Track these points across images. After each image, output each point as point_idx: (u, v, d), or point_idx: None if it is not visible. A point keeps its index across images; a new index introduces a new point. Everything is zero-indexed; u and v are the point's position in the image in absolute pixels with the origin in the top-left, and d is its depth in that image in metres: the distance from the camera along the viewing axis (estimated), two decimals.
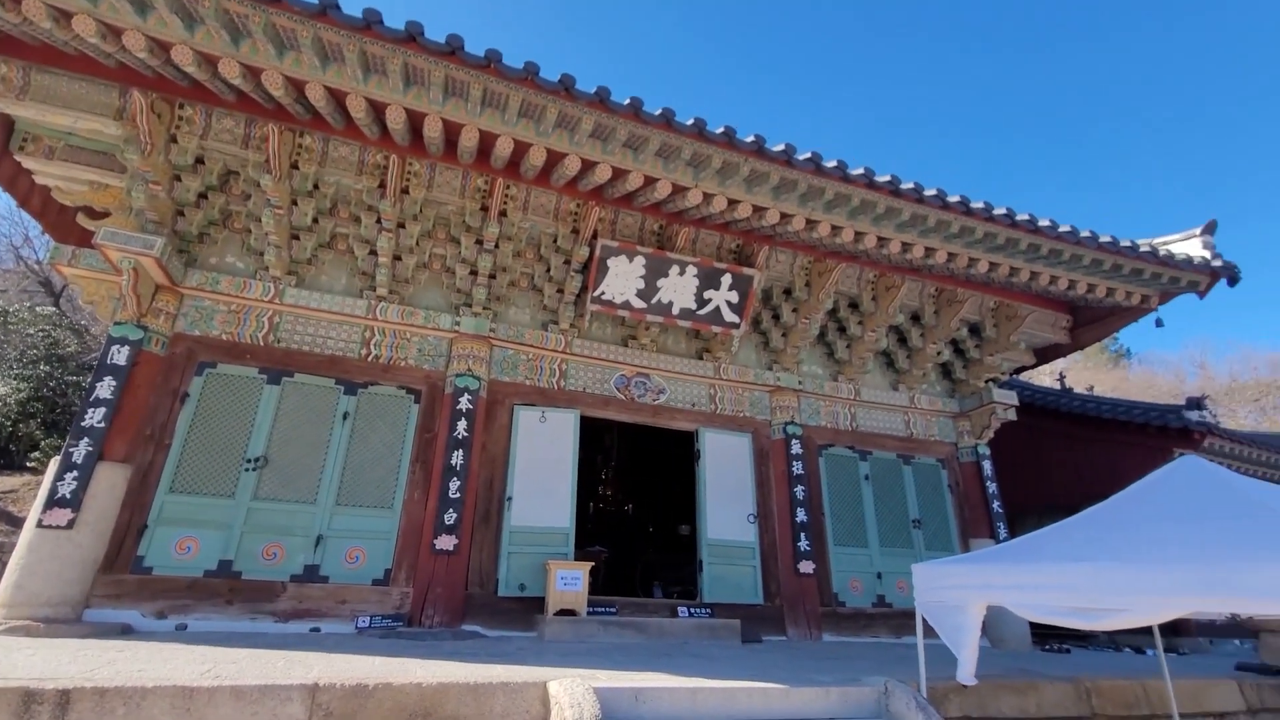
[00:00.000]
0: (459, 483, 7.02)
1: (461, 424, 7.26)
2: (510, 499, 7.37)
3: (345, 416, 7.06)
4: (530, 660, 4.59)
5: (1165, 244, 8.96)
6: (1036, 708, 4.70)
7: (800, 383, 9.40)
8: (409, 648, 5.07)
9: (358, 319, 7.45)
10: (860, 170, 6.97)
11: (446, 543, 6.74)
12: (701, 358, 9.06)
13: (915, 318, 9.82)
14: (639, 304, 8.10)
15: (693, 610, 7.51)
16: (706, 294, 8.26)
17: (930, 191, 7.26)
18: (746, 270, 8.26)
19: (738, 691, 3.95)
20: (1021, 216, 7.66)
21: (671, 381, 8.80)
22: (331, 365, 7.22)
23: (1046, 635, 9.36)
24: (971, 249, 7.94)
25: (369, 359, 7.39)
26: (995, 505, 9.72)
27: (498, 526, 7.25)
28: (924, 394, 10.29)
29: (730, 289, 8.30)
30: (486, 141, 6.30)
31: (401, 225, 7.43)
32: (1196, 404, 11.31)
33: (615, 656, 5.18)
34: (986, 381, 10.20)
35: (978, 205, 7.47)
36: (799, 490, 8.69)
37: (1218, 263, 8.55)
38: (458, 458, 7.11)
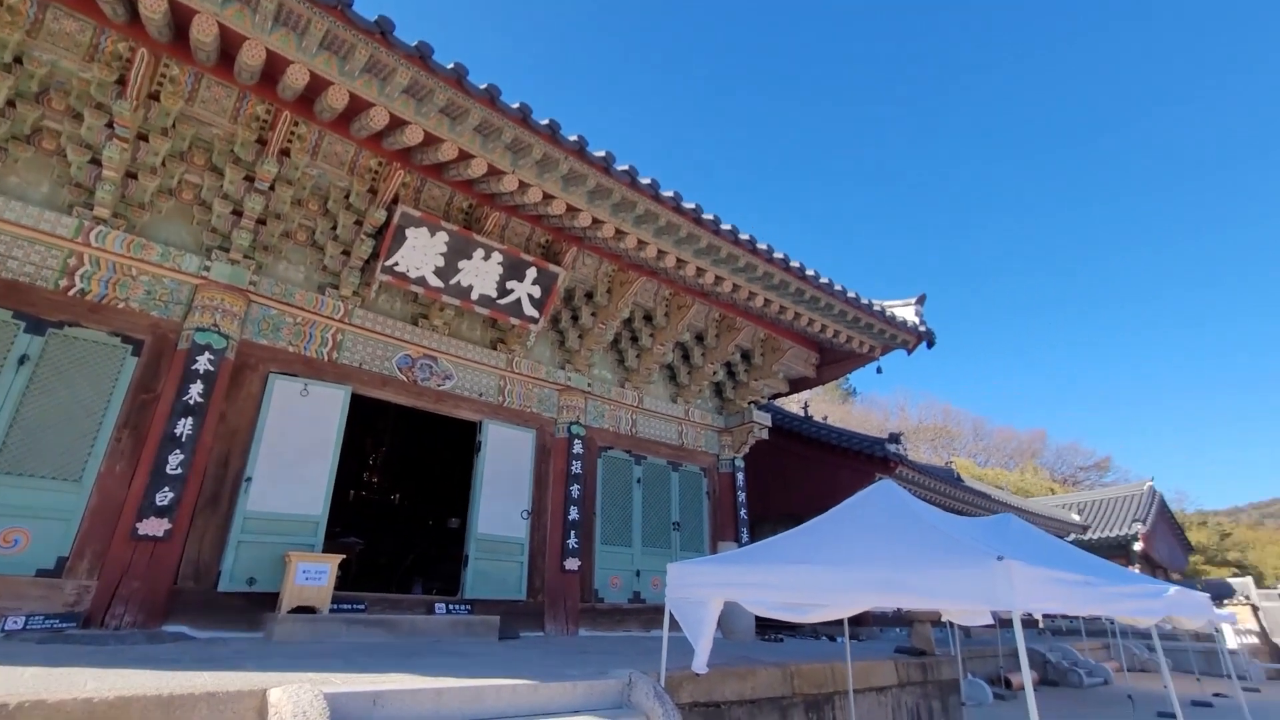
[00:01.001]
0: (182, 456, 5.88)
1: (196, 387, 6.12)
2: (250, 480, 6.39)
3: (23, 360, 5.51)
4: (250, 665, 4.00)
5: (890, 306, 10.99)
6: (753, 690, 5.37)
7: (590, 385, 9.65)
8: (83, 654, 4.09)
9: (60, 240, 5.89)
10: (671, 193, 7.41)
11: (154, 527, 5.60)
12: (495, 348, 8.83)
13: (699, 338, 10.74)
14: (435, 282, 7.62)
15: (451, 607, 7.22)
16: (509, 284, 8.08)
17: (726, 226, 7.99)
18: (553, 267, 8.26)
19: (485, 690, 3.87)
20: (794, 263, 8.80)
21: (460, 368, 8.43)
22: (10, 293, 5.60)
23: (766, 626, 10.78)
24: (752, 284, 8.90)
25: (70, 292, 5.88)
26: (742, 513, 10.99)
27: (229, 511, 6.24)
28: (697, 408, 11.25)
29: (534, 283, 8.22)
30: (275, 65, 5.41)
31: (144, 137, 6.06)
32: (894, 439, 14.03)
33: (357, 658, 4.75)
34: (749, 403, 11.49)
35: (762, 246, 8.41)
36: (575, 489, 8.89)
37: (923, 328, 10.77)
38: (185, 426, 5.97)
